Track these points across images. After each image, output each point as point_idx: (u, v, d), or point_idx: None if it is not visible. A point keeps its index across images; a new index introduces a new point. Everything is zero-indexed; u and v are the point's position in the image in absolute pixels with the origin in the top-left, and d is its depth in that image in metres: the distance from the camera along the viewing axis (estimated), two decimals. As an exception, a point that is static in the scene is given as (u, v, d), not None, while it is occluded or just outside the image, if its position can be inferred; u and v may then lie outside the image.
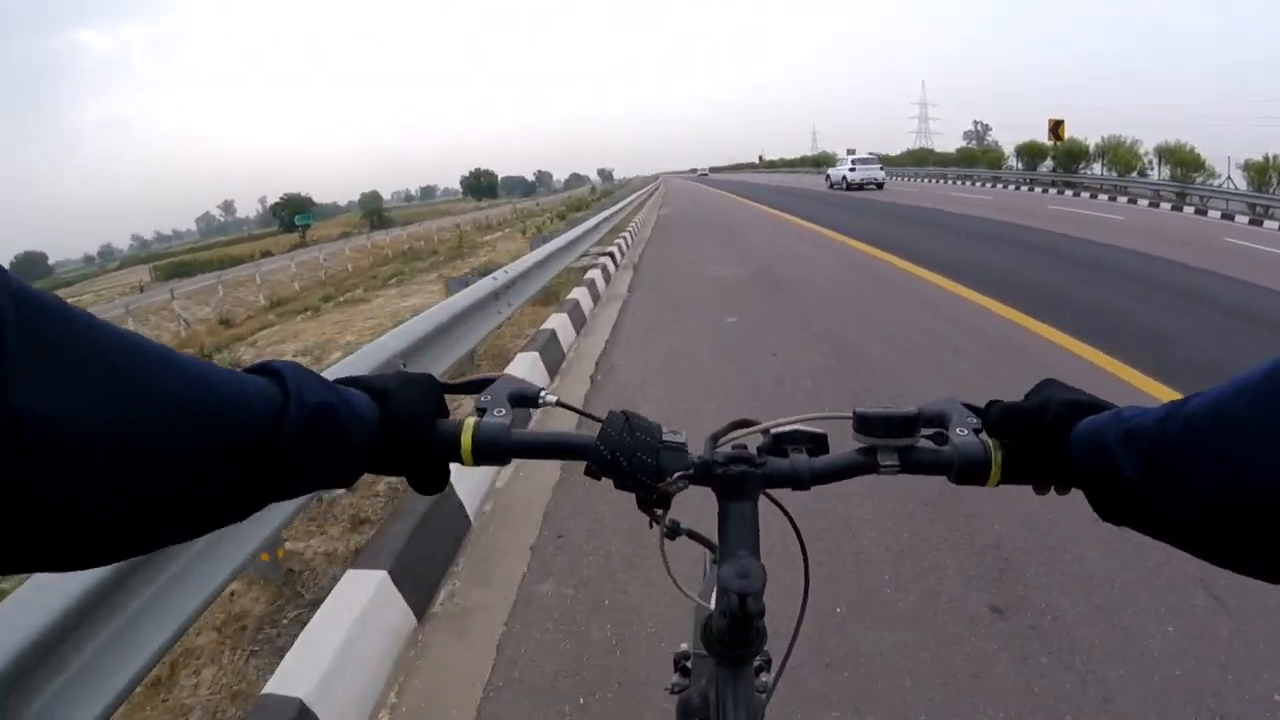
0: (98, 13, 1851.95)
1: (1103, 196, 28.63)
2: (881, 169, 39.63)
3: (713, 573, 0.96)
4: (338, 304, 20.23)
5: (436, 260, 29.48)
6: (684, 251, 13.73)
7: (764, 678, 1.02)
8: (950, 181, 43.76)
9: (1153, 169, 30.82)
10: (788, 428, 0.78)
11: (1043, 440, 0.68)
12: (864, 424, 0.74)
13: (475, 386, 0.80)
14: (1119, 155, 31.90)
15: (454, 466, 0.73)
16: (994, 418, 0.73)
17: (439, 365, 4.33)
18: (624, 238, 15.17)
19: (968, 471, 0.72)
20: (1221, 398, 0.50)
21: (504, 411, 0.75)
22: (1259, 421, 0.46)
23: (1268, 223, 20.58)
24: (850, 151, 47.60)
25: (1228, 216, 22.31)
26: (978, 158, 45.97)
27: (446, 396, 0.76)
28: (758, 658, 0.82)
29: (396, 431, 0.67)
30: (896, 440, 0.74)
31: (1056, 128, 33.90)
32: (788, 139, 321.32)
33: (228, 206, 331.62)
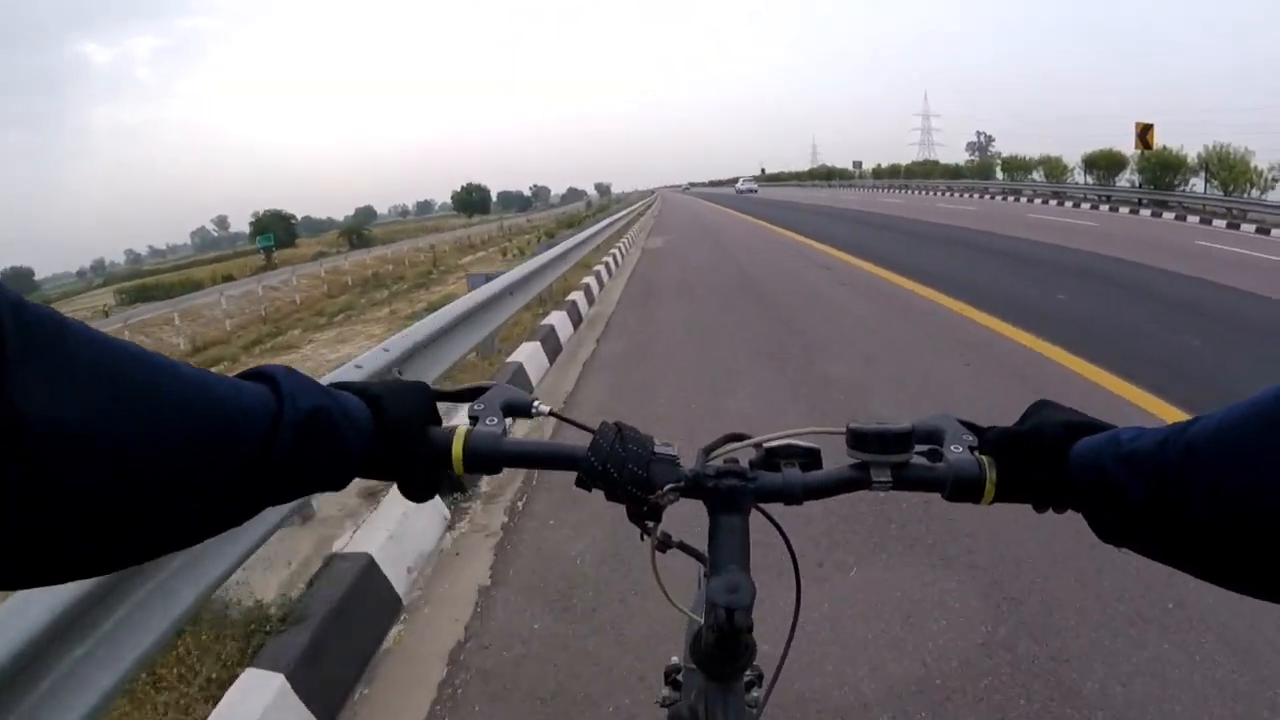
0: (102, 26, 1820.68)
1: (1219, 222, 22.43)
2: (756, 183, 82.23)
3: (704, 587, 0.84)
4: (265, 350, 17.96)
5: (400, 289, 26.35)
6: (680, 391, 5.70)
7: (755, 693, 0.99)
8: (996, 198, 37.23)
9: (1275, 186, 24.54)
10: (780, 442, 0.78)
11: (1039, 461, 0.68)
12: (858, 440, 0.73)
13: (469, 395, 0.79)
14: (1231, 169, 25.43)
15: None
16: (990, 438, 0.74)
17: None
18: (561, 313, 8.26)
19: (961, 489, 0.72)
20: (1225, 422, 0.50)
21: (496, 420, 0.75)
22: (1266, 448, 0.46)
23: None
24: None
25: None
26: (1029, 167, 39.27)
27: (441, 405, 0.76)
28: (748, 672, 0.82)
29: (389, 437, 0.66)
30: (890, 456, 0.73)
31: (1145, 133, 27.59)
32: (789, 151, 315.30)
33: (221, 221, 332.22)
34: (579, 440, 0.74)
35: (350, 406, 0.63)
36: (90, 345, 0.43)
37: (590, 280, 11.17)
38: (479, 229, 68.66)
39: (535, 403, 0.79)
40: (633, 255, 17.34)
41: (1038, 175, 37.84)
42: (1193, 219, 23.60)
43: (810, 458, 0.77)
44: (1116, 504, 0.59)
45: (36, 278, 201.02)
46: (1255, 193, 24.71)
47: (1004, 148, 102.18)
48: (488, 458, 0.72)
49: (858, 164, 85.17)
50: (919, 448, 0.75)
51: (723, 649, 0.69)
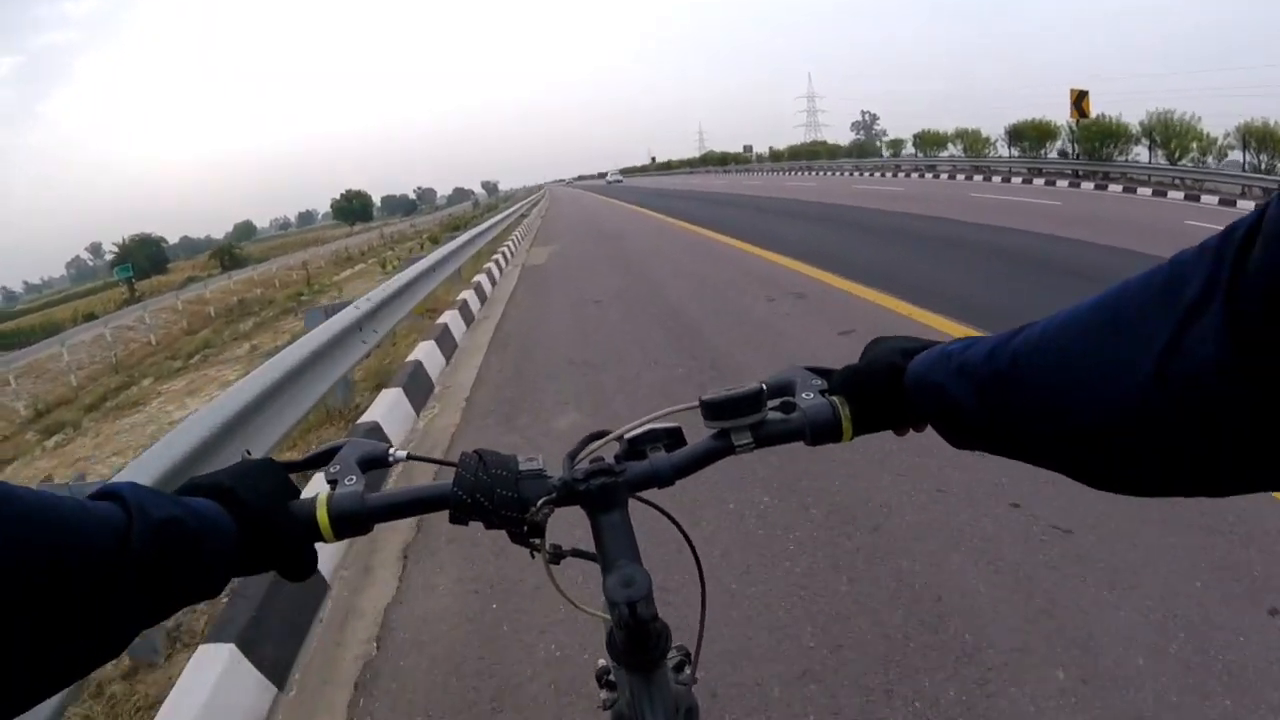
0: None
1: (1174, 194, 20.02)
2: (621, 176, 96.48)
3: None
4: (109, 410, 15.27)
5: (267, 315, 24.42)
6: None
7: (687, 671, 0.95)
8: (911, 175, 34.23)
9: (1229, 154, 22.48)
10: (642, 429, 0.78)
11: (881, 389, 0.71)
12: (712, 410, 0.74)
13: (322, 459, 0.78)
14: (1181, 136, 23.11)
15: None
16: (837, 379, 0.76)
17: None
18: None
19: (820, 433, 0.74)
20: (1049, 331, 0.52)
21: (355, 479, 0.74)
22: (1078, 356, 0.48)
23: None
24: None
25: None
26: (943, 141, 36.72)
27: (295, 474, 0.74)
28: (673, 653, 0.82)
29: (252, 529, 0.64)
30: (746, 419, 0.74)
31: (1080, 100, 25.10)
32: (676, 139, 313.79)
33: (96, 249, 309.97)
34: (445, 478, 0.73)
35: (204, 510, 0.60)
36: None
37: (425, 352, 6.49)
38: (359, 238, 65.38)
39: (391, 450, 0.78)
40: (507, 282, 12.11)
41: (954, 149, 35.43)
42: (1144, 191, 21.31)
43: (673, 438, 0.78)
44: (955, 414, 0.61)
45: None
46: (1210, 160, 22.59)
47: (888, 126, 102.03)
48: (355, 519, 0.70)
49: (748, 148, 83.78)
50: (772, 403, 0.76)
51: (635, 642, 0.69)
